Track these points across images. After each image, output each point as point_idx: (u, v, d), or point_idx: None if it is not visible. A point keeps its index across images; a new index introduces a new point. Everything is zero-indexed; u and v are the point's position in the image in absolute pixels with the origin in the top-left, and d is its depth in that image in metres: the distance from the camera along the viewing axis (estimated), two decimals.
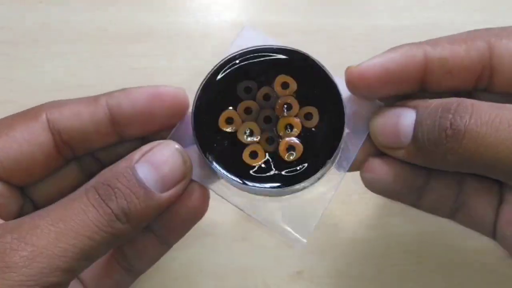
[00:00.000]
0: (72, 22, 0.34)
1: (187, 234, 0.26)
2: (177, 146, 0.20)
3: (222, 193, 0.23)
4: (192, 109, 0.22)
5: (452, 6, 0.35)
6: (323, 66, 0.24)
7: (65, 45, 0.33)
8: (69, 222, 0.17)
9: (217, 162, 0.22)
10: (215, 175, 0.23)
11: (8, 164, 0.20)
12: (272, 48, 0.23)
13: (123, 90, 0.22)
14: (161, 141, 0.20)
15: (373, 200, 0.30)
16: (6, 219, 0.20)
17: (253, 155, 0.22)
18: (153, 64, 0.33)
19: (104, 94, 0.22)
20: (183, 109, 0.22)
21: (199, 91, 0.22)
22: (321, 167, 0.22)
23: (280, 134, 0.22)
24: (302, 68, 0.23)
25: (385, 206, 0.30)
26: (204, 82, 0.23)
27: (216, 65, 0.23)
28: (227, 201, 0.24)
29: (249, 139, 0.22)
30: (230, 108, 0.22)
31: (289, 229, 0.22)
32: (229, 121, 0.22)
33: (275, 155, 0.22)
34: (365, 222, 0.29)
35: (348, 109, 0.23)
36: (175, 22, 0.34)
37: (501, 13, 0.35)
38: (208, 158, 0.22)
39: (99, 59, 0.33)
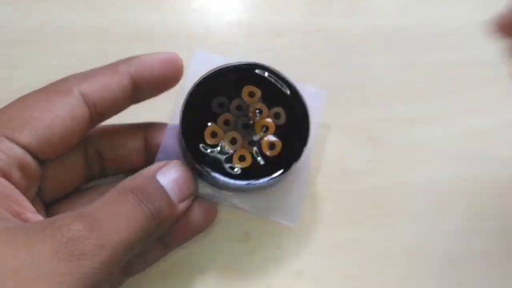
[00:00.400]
0: (72, 22, 0.34)
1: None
2: (184, 166, 0.24)
3: (215, 198, 0.27)
4: (180, 129, 0.25)
5: (452, 6, 0.35)
6: (277, 71, 0.27)
7: (65, 45, 0.33)
8: (119, 219, 0.19)
9: (209, 168, 0.25)
10: (205, 184, 0.27)
11: (53, 140, 0.21)
12: (232, 65, 0.27)
13: (136, 57, 0.24)
14: (169, 161, 0.23)
15: (372, 200, 0.30)
16: (30, 196, 0.21)
17: (242, 158, 0.26)
18: None
19: (120, 62, 0.24)
20: (182, 70, 0.25)
21: (181, 114, 0.26)
22: (289, 168, 0.25)
23: (259, 135, 0.26)
24: (260, 76, 0.27)
25: (384, 205, 0.30)
26: (183, 105, 0.26)
27: (189, 91, 0.26)
28: (223, 204, 0.27)
29: (234, 146, 0.26)
30: (211, 123, 0.26)
31: (279, 219, 0.27)
32: (213, 134, 0.26)
33: (258, 154, 0.26)
34: (365, 222, 0.29)
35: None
36: (175, 22, 0.34)
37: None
38: (201, 166, 0.25)
39: (99, 59, 0.32)
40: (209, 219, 0.25)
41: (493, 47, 0.34)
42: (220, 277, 0.28)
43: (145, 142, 0.26)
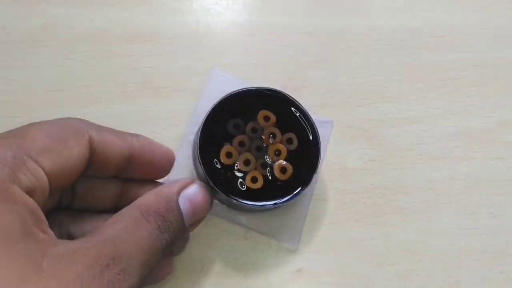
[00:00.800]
0: (73, 23, 0.34)
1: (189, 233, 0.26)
2: (206, 191, 0.24)
3: (222, 215, 0.28)
4: (197, 149, 0.26)
5: (450, 6, 0.35)
6: (291, 97, 0.28)
7: (66, 45, 0.33)
8: (141, 246, 0.20)
9: (222, 187, 0.26)
10: (214, 201, 0.27)
11: (64, 175, 0.21)
12: (250, 89, 0.28)
13: (145, 137, 0.25)
14: (195, 181, 0.24)
15: (371, 198, 0.30)
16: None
17: (254, 179, 0.27)
18: (154, 64, 0.33)
19: (130, 133, 0.25)
20: (170, 169, 0.26)
21: (199, 134, 0.27)
22: (300, 192, 0.27)
23: (272, 159, 0.27)
24: (276, 101, 0.28)
25: (384, 204, 0.30)
26: (202, 125, 0.27)
27: (207, 113, 0.27)
28: (230, 221, 0.28)
29: (247, 167, 0.27)
30: (227, 144, 0.27)
31: (284, 242, 0.28)
32: (228, 155, 0.27)
33: (270, 176, 0.27)
34: (364, 220, 0.29)
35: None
36: (175, 22, 0.34)
37: (500, 14, 0.35)
38: (214, 185, 0.26)
39: (100, 59, 0.33)
40: (164, 275, 0.26)
41: (491, 47, 0.34)
42: (220, 275, 0.28)
43: (121, 190, 0.26)
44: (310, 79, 0.33)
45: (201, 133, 0.27)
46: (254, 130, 0.27)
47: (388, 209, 0.30)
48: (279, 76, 0.33)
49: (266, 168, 0.27)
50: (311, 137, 0.27)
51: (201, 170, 0.26)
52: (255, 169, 0.27)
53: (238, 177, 0.27)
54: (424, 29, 0.35)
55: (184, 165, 0.29)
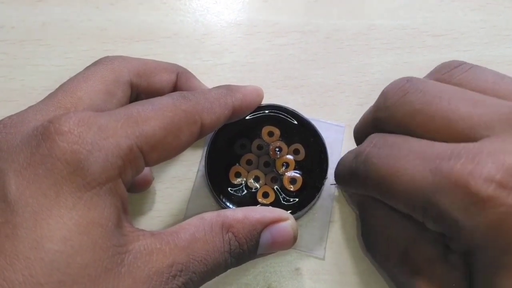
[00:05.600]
0: (72, 22, 0.34)
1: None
2: (295, 232, 0.23)
3: None
4: (205, 172, 0.27)
5: (450, 5, 0.36)
6: (293, 110, 0.29)
7: (65, 44, 0.33)
8: (208, 260, 0.20)
9: (235, 206, 0.27)
10: None
11: (160, 161, 0.21)
12: (262, 105, 0.28)
13: (239, 91, 0.25)
14: (290, 218, 0.23)
15: None
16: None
17: (265, 195, 0.27)
18: None
19: (228, 95, 0.24)
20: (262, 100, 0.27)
21: (206, 158, 0.28)
22: (311, 200, 0.27)
23: (280, 172, 0.28)
24: (278, 116, 0.29)
25: None
26: (207, 149, 0.28)
27: (211, 138, 0.28)
28: None
29: (257, 183, 0.27)
30: (235, 165, 0.28)
31: (309, 252, 0.28)
32: (237, 175, 0.28)
33: (281, 190, 0.27)
34: None
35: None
36: (174, 21, 0.34)
37: (498, 13, 0.35)
38: (227, 205, 0.27)
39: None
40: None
41: (490, 46, 0.34)
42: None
43: (176, 77, 0.27)
44: (309, 78, 0.33)
45: (207, 158, 0.28)
46: (260, 147, 0.28)
47: None
48: (278, 76, 0.33)
49: (276, 182, 0.27)
50: (317, 145, 0.28)
51: (212, 192, 0.27)
52: (265, 184, 0.27)
53: (249, 194, 0.27)
54: (423, 28, 0.35)
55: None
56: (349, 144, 0.30)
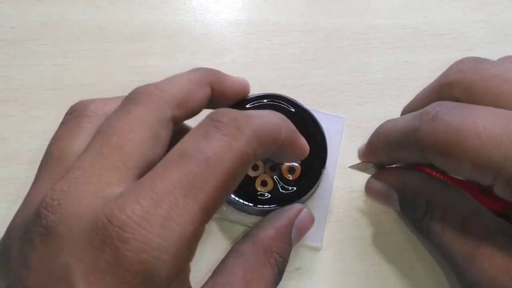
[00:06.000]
0: (72, 21, 0.34)
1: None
2: (311, 215, 0.26)
3: (241, 222, 0.28)
4: None
5: (450, 5, 0.36)
6: (295, 100, 0.29)
7: (65, 43, 0.33)
8: (259, 276, 0.22)
9: (235, 195, 0.27)
10: (232, 208, 0.28)
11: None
12: (252, 97, 0.28)
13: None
14: (300, 207, 0.25)
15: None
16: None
17: (264, 183, 0.27)
18: (153, 62, 0.33)
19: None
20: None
21: None
22: (310, 189, 0.27)
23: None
24: (278, 105, 0.29)
25: None
26: None
27: None
28: (244, 225, 0.28)
29: (256, 172, 0.27)
30: None
31: (306, 241, 0.28)
32: None
33: (280, 178, 0.27)
34: (363, 219, 0.29)
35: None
36: (174, 21, 0.34)
37: (499, 13, 0.35)
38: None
39: (99, 58, 0.33)
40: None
41: (490, 46, 0.34)
42: None
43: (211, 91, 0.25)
44: (309, 77, 0.33)
45: None
46: None
47: (388, 207, 0.30)
48: (278, 75, 0.33)
49: (274, 171, 0.27)
50: (317, 135, 0.28)
51: None
52: (264, 172, 0.27)
53: (248, 182, 0.27)
54: (423, 28, 0.35)
55: None
56: (349, 137, 0.31)
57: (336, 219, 0.29)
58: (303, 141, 0.23)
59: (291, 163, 0.27)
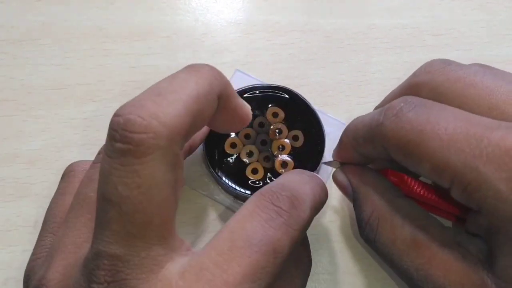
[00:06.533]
0: (72, 21, 0.34)
1: (189, 233, 0.26)
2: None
3: (227, 204, 0.29)
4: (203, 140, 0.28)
5: (450, 5, 0.35)
6: (304, 98, 0.29)
7: (65, 43, 0.33)
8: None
9: (225, 178, 0.27)
10: (221, 190, 0.29)
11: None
12: (263, 86, 0.29)
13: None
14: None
15: None
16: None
17: (254, 171, 0.28)
18: (152, 62, 0.33)
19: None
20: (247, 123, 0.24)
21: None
22: None
23: (274, 153, 0.28)
24: (288, 100, 0.29)
25: None
26: None
27: None
28: (229, 208, 0.29)
29: (249, 159, 0.28)
30: (233, 135, 0.28)
31: None
32: (233, 145, 0.28)
33: (271, 170, 0.28)
34: None
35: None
36: (174, 20, 0.34)
37: (499, 12, 0.35)
38: (218, 175, 0.27)
39: (99, 58, 0.33)
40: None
41: (490, 45, 0.34)
42: None
43: (189, 144, 0.27)
44: (309, 77, 0.33)
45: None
46: (261, 124, 0.29)
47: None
48: (278, 75, 0.33)
49: (268, 162, 0.28)
50: (317, 136, 0.28)
51: (204, 156, 0.28)
52: (257, 161, 0.28)
53: (240, 167, 0.27)
54: (424, 28, 0.35)
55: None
56: (326, 111, 0.31)
57: (335, 218, 0.29)
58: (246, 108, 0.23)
59: (286, 158, 0.28)
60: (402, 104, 0.20)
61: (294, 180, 0.21)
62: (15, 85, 0.32)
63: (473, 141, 0.18)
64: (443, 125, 0.19)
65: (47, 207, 0.24)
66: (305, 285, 0.23)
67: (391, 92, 0.26)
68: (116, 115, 0.17)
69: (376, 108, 0.27)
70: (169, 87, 0.18)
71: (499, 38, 0.34)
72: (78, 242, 0.20)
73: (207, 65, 0.20)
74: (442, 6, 0.35)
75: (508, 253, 0.19)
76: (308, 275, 0.23)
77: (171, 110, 0.17)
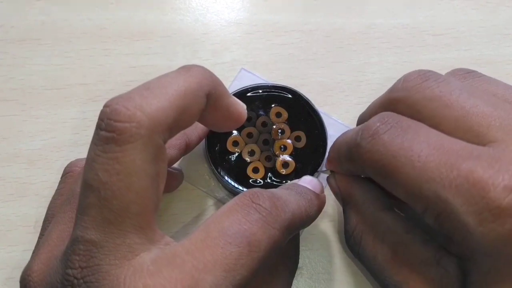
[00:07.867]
0: (72, 21, 0.34)
1: (189, 233, 0.26)
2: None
3: (225, 201, 0.28)
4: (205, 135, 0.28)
5: (450, 4, 0.35)
6: (308, 99, 0.29)
7: (65, 43, 0.33)
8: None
9: (227, 175, 0.27)
10: (220, 187, 0.29)
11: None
12: (267, 85, 0.29)
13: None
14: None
15: None
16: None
17: (255, 170, 0.28)
18: (153, 62, 0.33)
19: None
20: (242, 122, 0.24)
21: None
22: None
23: (276, 153, 0.28)
24: (291, 100, 0.29)
25: None
26: None
27: None
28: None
29: (251, 157, 0.28)
30: (235, 133, 0.28)
31: None
32: (235, 143, 0.28)
33: (272, 170, 0.28)
34: None
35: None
36: (174, 20, 0.34)
37: (499, 12, 0.35)
38: (219, 173, 0.27)
39: (99, 58, 0.33)
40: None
41: (490, 45, 0.34)
42: None
43: (185, 141, 0.27)
44: (309, 77, 0.33)
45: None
46: (264, 124, 0.29)
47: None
48: (278, 75, 0.33)
49: (269, 161, 0.28)
50: (320, 138, 0.28)
51: (205, 152, 0.28)
52: (259, 160, 0.28)
53: (240, 166, 0.28)
54: (423, 27, 0.35)
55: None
56: (326, 111, 0.31)
57: (335, 218, 0.29)
58: (240, 107, 0.23)
59: (287, 159, 0.28)
60: (378, 124, 0.21)
61: (279, 189, 0.22)
62: (15, 85, 0.32)
63: (443, 170, 0.18)
64: (416, 151, 0.19)
65: (47, 206, 0.24)
66: (292, 283, 0.23)
67: (372, 103, 0.26)
68: (105, 105, 0.18)
69: (359, 120, 0.27)
70: (157, 83, 0.19)
71: (499, 38, 0.34)
72: (63, 236, 0.20)
73: (198, 65, 0.21)
74: (442, 6, 0.35)
75: (475, 281, 0.19)
76: (294, 274, 0.24)
77: (156, 102, 0.18)
